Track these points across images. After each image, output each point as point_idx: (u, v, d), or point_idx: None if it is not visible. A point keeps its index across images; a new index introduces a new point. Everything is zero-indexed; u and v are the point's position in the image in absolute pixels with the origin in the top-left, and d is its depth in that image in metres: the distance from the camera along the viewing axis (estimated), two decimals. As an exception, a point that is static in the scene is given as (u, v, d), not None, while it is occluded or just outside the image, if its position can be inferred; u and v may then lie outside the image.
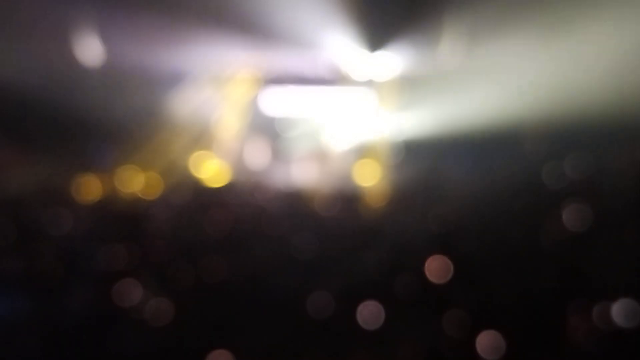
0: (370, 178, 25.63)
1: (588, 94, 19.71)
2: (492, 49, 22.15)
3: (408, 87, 24.33)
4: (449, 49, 24.55)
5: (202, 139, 29.14)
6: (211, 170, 26.64)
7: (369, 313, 11.72)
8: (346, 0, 23.45)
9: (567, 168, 20.06)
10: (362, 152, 26.82)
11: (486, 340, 8.76)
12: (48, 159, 25.81)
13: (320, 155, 26.97)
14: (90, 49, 25.68)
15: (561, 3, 20.45)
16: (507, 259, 12.37)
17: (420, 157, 25.58)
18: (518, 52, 21.66)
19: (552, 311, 9.24)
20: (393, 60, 26.20)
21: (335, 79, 28.31)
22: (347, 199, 22.50)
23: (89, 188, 22.95)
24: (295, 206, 21.31)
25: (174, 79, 27.29)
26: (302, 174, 25.58)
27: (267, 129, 30.32)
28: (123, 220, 18.80)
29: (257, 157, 26.48)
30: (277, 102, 30.12)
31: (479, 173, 23.01)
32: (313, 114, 29.57)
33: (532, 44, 21.39)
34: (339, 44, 26.20)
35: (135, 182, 23.42)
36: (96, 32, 25.69)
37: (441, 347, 9.34)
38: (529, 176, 20.80)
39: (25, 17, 22.78)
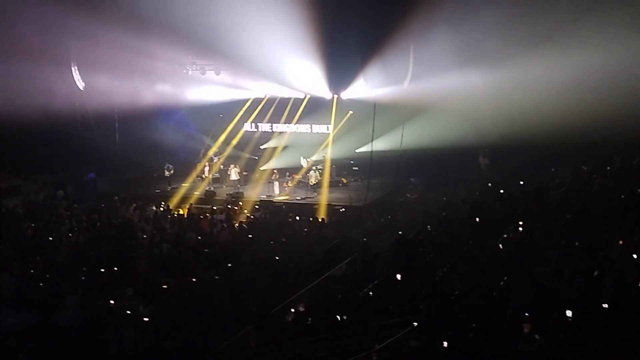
0: (337, 191, 25.74)
1: (536, 117, 20.23)
2: (449, 80, 22.70)
3: (377, 110, 24.66)
4: (413, 80, 25.06)
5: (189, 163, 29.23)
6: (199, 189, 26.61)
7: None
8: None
9: (519, 181, 20.39)
10: (331, 167, 26.90)
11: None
12: (40, 183, 25.69)
13: (292, 171, 27.07)
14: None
15: (513, 38, 21.01)
16: (464, 263, 12.57)
17: (386, 171, 25.85)
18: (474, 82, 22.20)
19: (506, 315, 9.38)
20: (362, 88, 26.57)
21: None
22: (316, 211, 22.67)
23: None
24: (270, 217, 21.37)
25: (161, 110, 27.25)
26: (276, 188, 25.64)
27: (243, 147, 30.39)
28: (114, 236, 18.69)
29: (236, 174, 26.47)
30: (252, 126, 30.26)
31: (440, 186, 23.37)
32: (285, 132, 29.68)
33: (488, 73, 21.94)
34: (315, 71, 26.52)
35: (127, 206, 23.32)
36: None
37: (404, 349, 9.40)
38: (486, 188, 21.11)
39: (27, 47, 22.64)
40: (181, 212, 23.01)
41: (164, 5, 22.51)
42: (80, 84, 25.95)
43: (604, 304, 8.73)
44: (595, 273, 10.14)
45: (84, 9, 22.54)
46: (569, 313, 8.50)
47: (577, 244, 12.05)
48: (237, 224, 20.11)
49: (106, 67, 24.97)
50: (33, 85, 23.30)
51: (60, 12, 22.31)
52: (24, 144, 22.93)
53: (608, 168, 18.29)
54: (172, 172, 27.25)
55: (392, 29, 23.00)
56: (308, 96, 28.24)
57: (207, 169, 28.12)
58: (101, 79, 25.74)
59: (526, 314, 8.72)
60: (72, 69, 26.03)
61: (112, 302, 13.31)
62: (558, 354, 8.07)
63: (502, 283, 11.21)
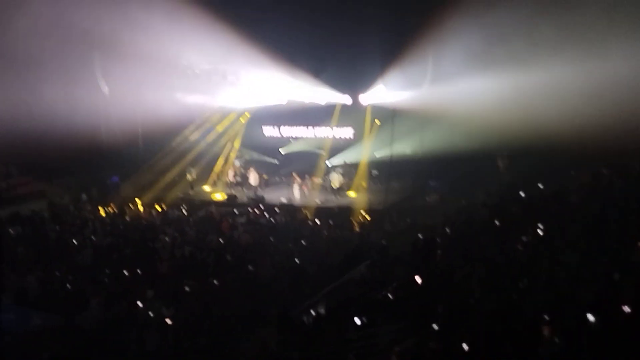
0: (358, 195, 25.74)
1: (555, 120, 20.01)
2: (468, 86, 22.58)
3: (397, 116, 24.63)
4: (432, 84, 25.00)
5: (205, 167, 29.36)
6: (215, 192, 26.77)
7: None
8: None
9: (538, 184, 20.18)
10: (351, 171, 26.91)
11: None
12: (65, 187, 25.91)
13: (312, 174, 27.08)
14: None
15: (527, 45, 20.85)
16: (483, 266, 12.46)
17: (405, 175, 25.78)
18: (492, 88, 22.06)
19: (525, 318, 9.27)
20: (382, 93, 26.55)
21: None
22: (336, 214, 22.63)
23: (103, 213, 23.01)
24: (290, 221, 21.39)
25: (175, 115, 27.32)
26: (296, 191, 25.67)
27: (264, 150, 30.44)
28: (134, 238, 18.78)
29: (256, 177, 26.57)
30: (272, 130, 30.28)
31: (459, 189, 23.21)
32: (306, 137, 29.69)
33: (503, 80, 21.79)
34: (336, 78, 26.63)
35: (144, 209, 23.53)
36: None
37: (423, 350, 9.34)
38: (505, 191, 20.93)
39: (51, 53, 22.83)
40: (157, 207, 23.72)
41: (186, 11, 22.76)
42: (104, 89, 26.14)
43: (625, 307, 8.60)
44: (616, 276, 10.00)
45: (109, 17, 22.84)
46: (590, 317, 8.38)
47: (597, 246, 11.90)
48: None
49: (130, 72, 25.13)
50: (57, 91, 23.48)
51: (85, 20, 22.58)
52: (49, 148, 23.13)
53: (628, 171, 18.06)
54: (194, 175, 27.45)
55: (412, 34, 22.98)
56: (328, 100, 28.25)
57: (230, 172, 28.28)
58: (125, 83, 25.90)
59: (546, 317, 8.62)
60: (96, 73, 26.19)
61: (137, 304, 13.37)
62: (578, 357, 7.97)
63: (521, 286, 11.09)
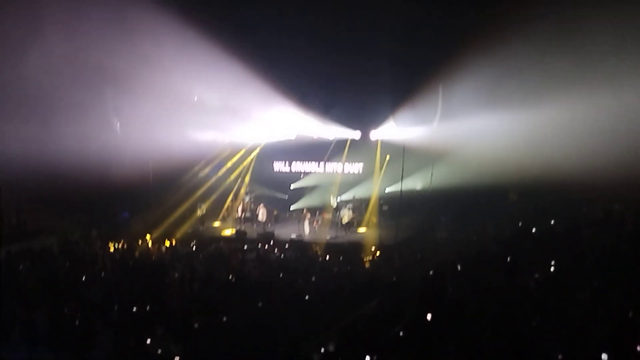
0: (368, 230, 25.68)
1: (566, 156, 19.99)
2: (479, 122, 22.64)
3: (407, 151, 24.69)
4: (442, 120, 25.12)
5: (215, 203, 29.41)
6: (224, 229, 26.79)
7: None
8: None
9: (550, 220, 20.04)
10: (361, 206, 26.90)
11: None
12: (75, 222, 25.99)
13: (322, 210, 27.06)
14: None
15: (537, 81, 20.94)
16: (495, 302, 12.32)
17: (415, 211, 25.72)
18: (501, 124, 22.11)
19: (538, 356, 9.15)
20: (392, 129, 26.68)
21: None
22: (346, 250, 22.53)
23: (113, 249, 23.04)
24: (300, 256, 21.29)
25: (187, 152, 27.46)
26: (306, 227, 25.63)
27: (274, 186, 30.48)
28: (143, 274, 18.73)
29: (264, 213, 26.58)
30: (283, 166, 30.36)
31: (470, 224, 23.09)
32: (316, 172, 29.74)
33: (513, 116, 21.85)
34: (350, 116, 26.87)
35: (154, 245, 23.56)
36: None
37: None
38: (516, 226, 20.81)
39: (56, 94, 23.09)
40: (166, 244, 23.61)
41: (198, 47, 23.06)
42: (116, 124, 26.34)
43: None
44: (630, 314, 9.85)
45: (121, 53, 23.12)
46: (604, 356, 8.24)
47: (610, 283, 11.76)
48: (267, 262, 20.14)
49: (142, 108, 25.35)
50: (68, 126, 23.67)
51: (97, 56, 22.88)
52: (60, 183, 23.25)
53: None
54: (204, 211, 27.50)
55: (422, 70, 23.15)
56: (338, 136, 28.37)
57: (239, 208, 28.30)
58: (136, 119, 26.10)
59: (559, 356, 8.49)
60: (108, 109, 26.43)
61: (146, 340, 13.28)
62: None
63: (533, 323, 10.94)
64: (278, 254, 21.94)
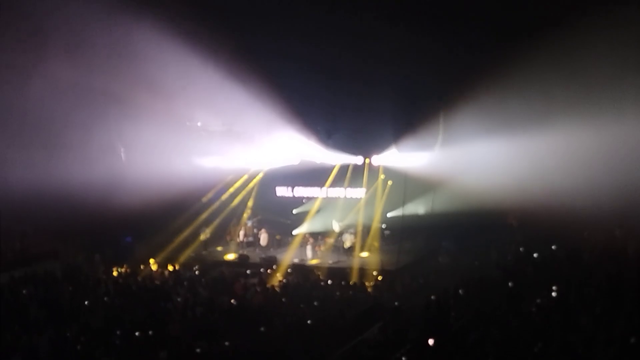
0: (370, 255, 25.68)
1: (567, 182, 20.06)
2: (481, 148, 22.76)
3: (409, 176, 24.80)
4: (444, 146, 25.25)
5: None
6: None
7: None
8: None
9: (551, 245, 20.06)
10: (363, 231, 26.91)
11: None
12: (78, 247, 26.02)
13: (324, 235, 27.06)
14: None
15: (539, 107, 21.13)
16: (497, 328, 12.32)
17: (417, 236, 25.74)
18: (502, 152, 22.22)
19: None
20: (394, 155, 26.80)
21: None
22: (348, 275, 22.52)
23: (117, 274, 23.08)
24: (303, 281, 21.28)
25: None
26: (309, 252, 25.63)
27: (276, 211, 30.48)
28: (146, 299, 18.74)
29: (266, 238, 26.64)
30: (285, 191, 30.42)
31: (471, 249, 23.10)
32: (318, 197, 29.77)
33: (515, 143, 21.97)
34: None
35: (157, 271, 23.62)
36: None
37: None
38: (518, 252, 20.82)
39: (60, 119, 23.26)
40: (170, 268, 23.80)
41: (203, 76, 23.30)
42: (120, 149, 26.47)
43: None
44: (632, 340, 9.86)
45: (124, 78, 23.32)
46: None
47: (612, 309, 11.77)
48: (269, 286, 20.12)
49: (145, 133, 25.46)
50: (72, 151, 23.85)
51: (101, 81, 23.07)
52: (64, 208, 23.33)
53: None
54: (208, 235, 27.53)
55: (424, 97, 23.34)
56: (340, 161, 28.46)
57: (241, 232, 28.31)
58: (140, 144, 26.22)
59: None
60: (112, 134, 26.55)
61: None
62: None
63: (536, 349, 10.94)
64: (280, 279, 21.94)
